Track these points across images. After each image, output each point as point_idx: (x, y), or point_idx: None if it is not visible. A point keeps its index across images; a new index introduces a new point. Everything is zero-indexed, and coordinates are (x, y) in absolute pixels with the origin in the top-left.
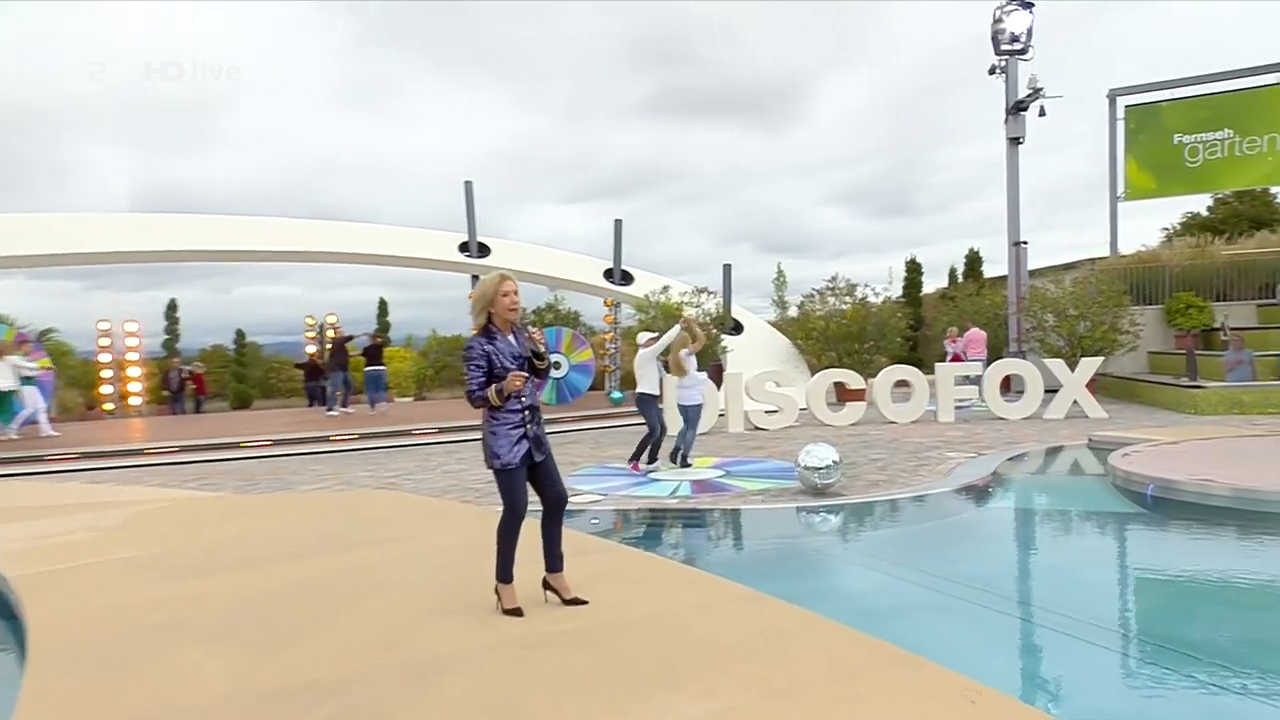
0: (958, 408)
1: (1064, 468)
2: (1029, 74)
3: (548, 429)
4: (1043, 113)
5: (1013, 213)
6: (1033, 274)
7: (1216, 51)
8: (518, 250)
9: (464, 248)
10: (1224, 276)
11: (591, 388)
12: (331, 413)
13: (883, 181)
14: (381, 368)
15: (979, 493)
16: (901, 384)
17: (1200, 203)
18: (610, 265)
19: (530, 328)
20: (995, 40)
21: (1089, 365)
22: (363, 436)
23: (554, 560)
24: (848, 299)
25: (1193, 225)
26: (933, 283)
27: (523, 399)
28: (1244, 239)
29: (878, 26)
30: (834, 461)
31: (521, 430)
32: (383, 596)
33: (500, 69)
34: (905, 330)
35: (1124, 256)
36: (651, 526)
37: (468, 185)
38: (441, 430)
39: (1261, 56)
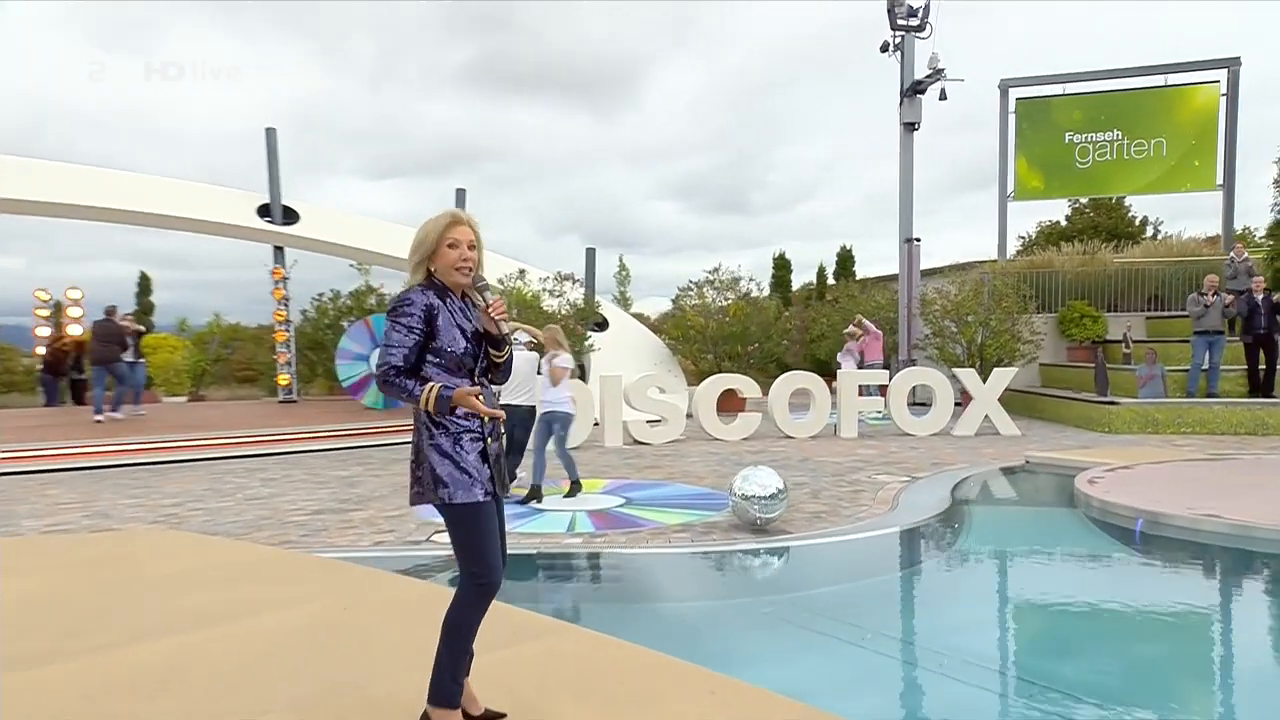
0: (860, 420)
1: (1021, 496)
2: (929, 52)
3: (369, 443)
4: (944, 96)
5: (905, 206)
6: (923, 275)
7: (1121, 44)
8: (333, 220)
9: (264, 211)
10: (1114, 285)
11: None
12: (100, 417)
13: (717, 177)
14: (140, 360)
15: (944, 529)
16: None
17: (1058, 210)
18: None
19: (488, 292)
20: (891, 15)
21: (1001, 377)
22: (123, 448)
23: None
24: (730, 293)
25: (1051, 234)
26: (797, 281)
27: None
28: (1108, 248)
29: (715, 10)
30: (779, 490)
31: (481, 445)
32: None
33: (291, 18)
34: (792, 332)
35: (1015, 260)
36: (558, 578)
37: (270, 134)
38: (237, 441)
39: (1152, 56)
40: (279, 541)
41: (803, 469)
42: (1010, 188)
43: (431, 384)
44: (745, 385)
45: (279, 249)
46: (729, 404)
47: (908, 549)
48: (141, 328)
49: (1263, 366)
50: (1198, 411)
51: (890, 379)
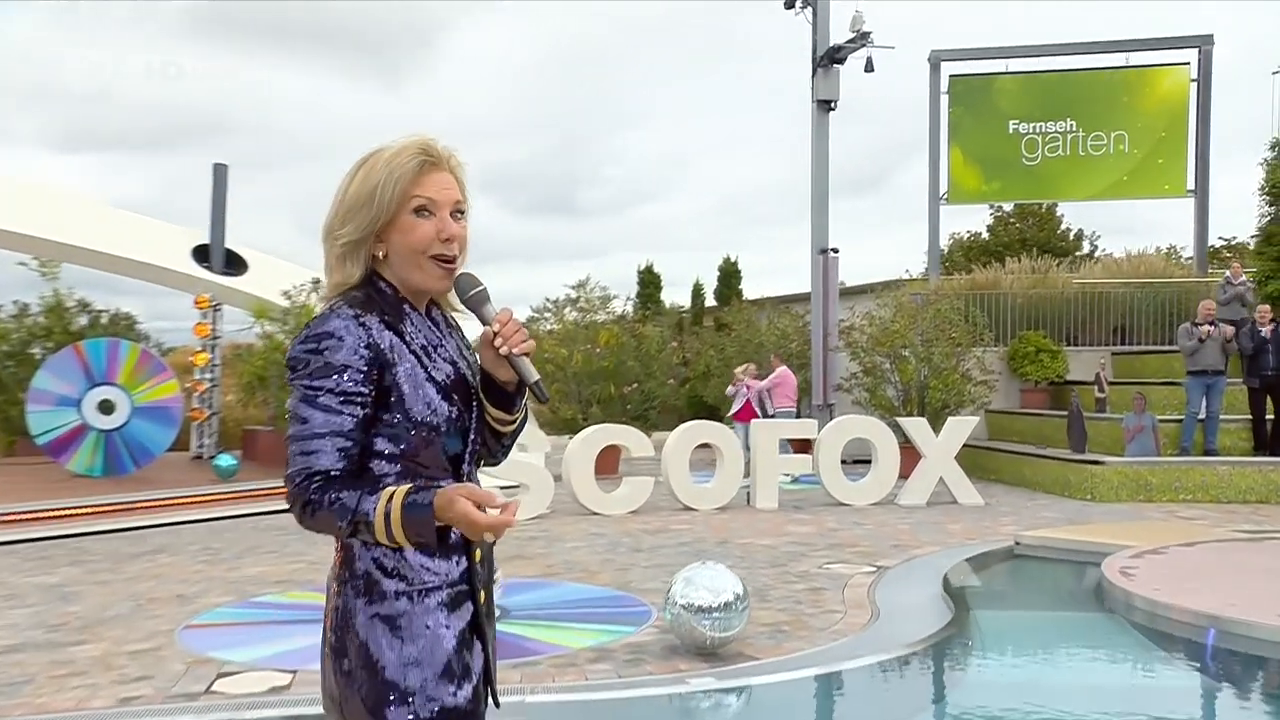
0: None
1: (1034, 594)
2: (851, 12)
3: (85, 529)
4: (870, 68)
5: (819, 207)
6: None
7: (1080, 19)
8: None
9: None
10: (1073, 313)
11: (174, 445)
12: None
13: (540, 168)
14: None
15: (957, 647)
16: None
17: (976, 219)
18: (205, 241)
19: (490, 305)
20: None
21: (959, 428)
22: None
23: None
24: (601, 315)
25: (972, 248)
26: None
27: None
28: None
29: None
30: (737, 596)
31: (469, 611)
32: None
33: None
34: (679, 366)
35: (952, 278)
36: None
37: None
38: None
39: (1115, 33)
40: None
41: (727, 557)
42: (944, 188)
43: (390, 490)
44: (633, 440)
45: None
46: (604, 465)
47: (924, 679)
48: None
49: (1271, 416)
50: (1199, 473)
51: (820, 430)
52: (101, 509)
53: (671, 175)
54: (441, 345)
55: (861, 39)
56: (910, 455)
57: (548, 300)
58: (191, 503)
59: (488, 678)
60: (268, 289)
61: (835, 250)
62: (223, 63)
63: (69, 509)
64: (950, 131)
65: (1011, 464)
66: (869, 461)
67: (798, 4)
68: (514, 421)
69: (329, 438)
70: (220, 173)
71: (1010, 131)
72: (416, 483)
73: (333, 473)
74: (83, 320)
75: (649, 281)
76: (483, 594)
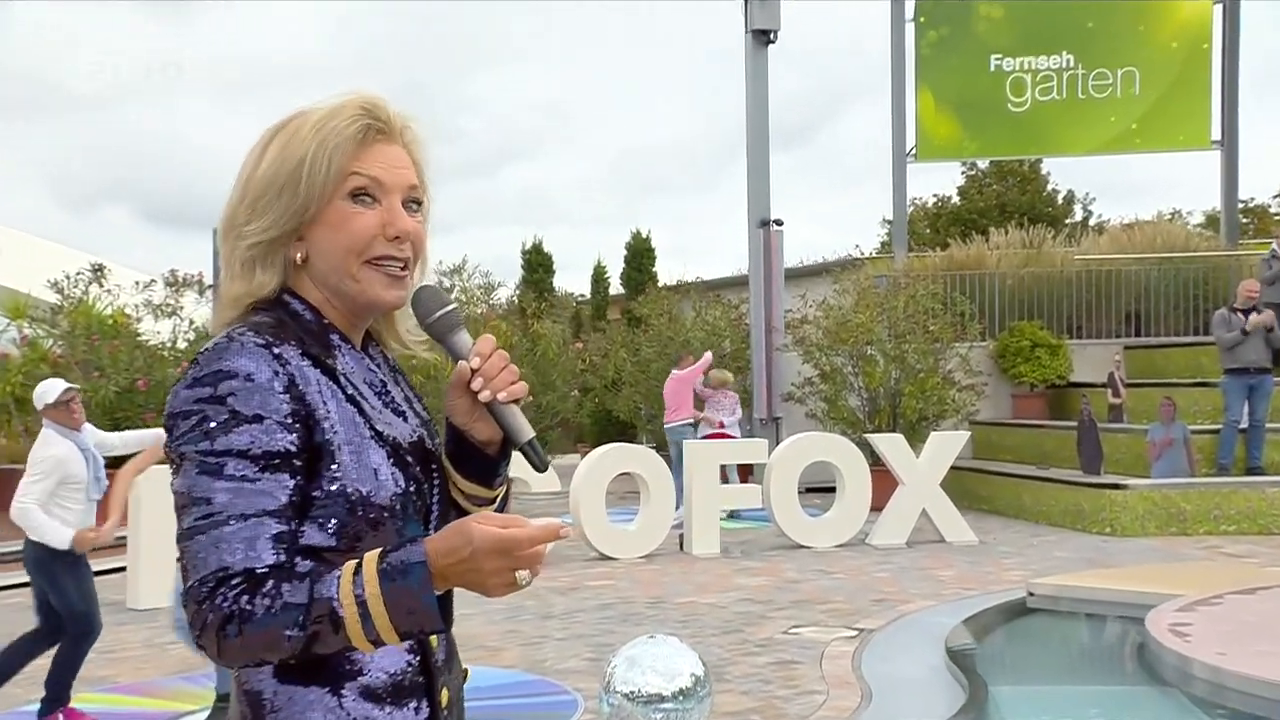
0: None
1: (1060, 663)
2: None
3: None
4: None
5: (757, 167)
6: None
7: None
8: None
9: None
10: (1076, 297)
11: None
12: None
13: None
14: None
15: None
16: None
17: (947, 181)
18: None
19: (463, 331)
20: None
21: (946, 445)
22: None
23: None
24: (482, 307)
25: (939, 216)
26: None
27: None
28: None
29: None
30: (697, 680)
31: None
32: None
33: None
34: (582, 373)
35: (926, 257)
36: None
37: None
38: None
39: None
40: None
41: (666, 623)
42: (911, 143)
43: (351, 563)
44: (526, 472)
45: None
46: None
47: None
48: None
49: None
50: (1243, 498)
51: (770, 451)
52: None
53: (551, 128)
54: (387, 391)
55: None
56: (884, 481)
57: None
58: None
59: None
60: (26, 279)
61: (779, 222)
62: None
63: None
64: (918, 71)
65: (1007, 489)
66: (828, 489)
67: None
68: (493, 499)
69: (251, 521)
70: None
71: (993, 69)
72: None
73: (259, 570)
74: None
75: (537, 264)
76: (442, 687)
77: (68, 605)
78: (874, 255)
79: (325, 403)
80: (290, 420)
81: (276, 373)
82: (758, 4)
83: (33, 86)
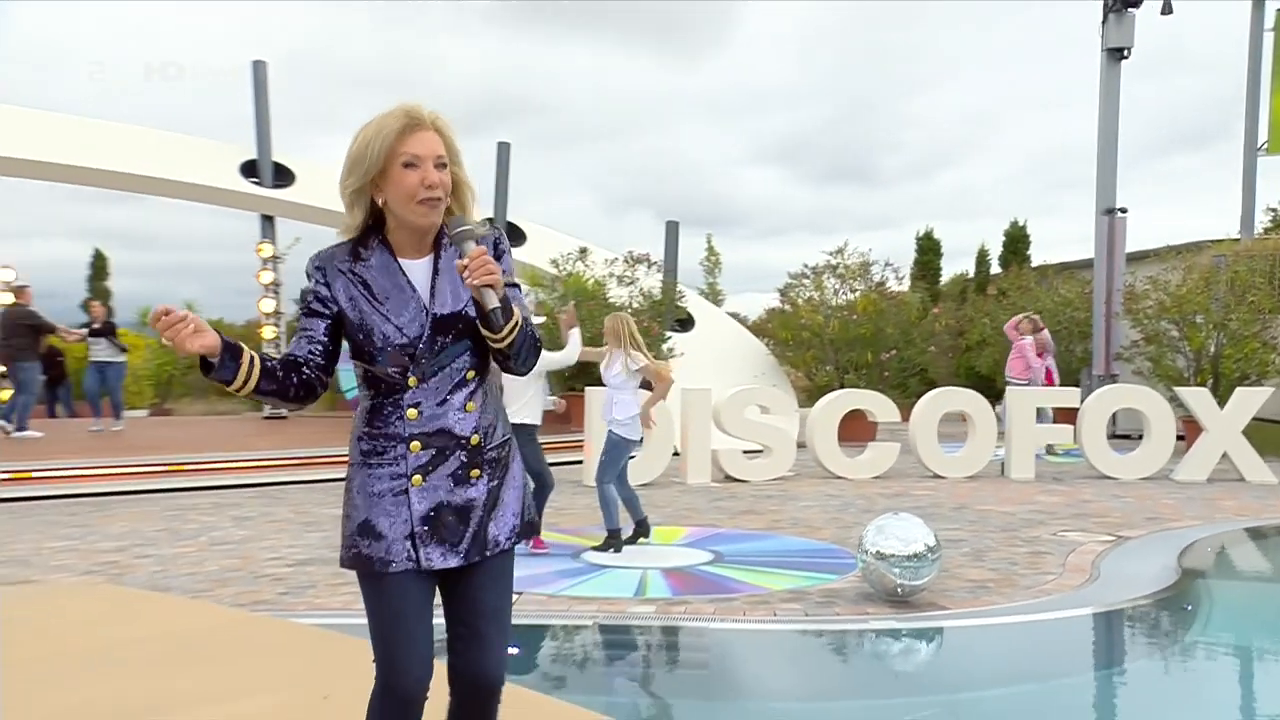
0: (1037, 456)
1: None
2: None
3: None
4: (1168, 9)
5: (1106, 164)
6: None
7: None
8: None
9: (250, 170)
10: None
11: None
12: (25, 432)
13: (831, 136)
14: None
15: (1166, 612)
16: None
17: None
18: (488, 215)
19: (470, 243)
20: None
21: (1248, 399)
22: (59, 475)
23: None
24: (858, 283)
25: None
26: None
27: (411, 409)
28: None
29: None
30: (929, 547)
31: (403, 484)
32: None
33: None
34: (941, 336)
35: (1267, 239)
36: (620, 659)
37: (258, 68)
38: (205, 467)
39: None
40: (249, 602)
41: (959, 520)
42: (1263, 138)
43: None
44: (878, 406)
45: (268, 219)
46: (855, 431)
47: (1111, 638)
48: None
49: None
50: None
51: (1082, 400)
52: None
53: (975, 136)
54: (396, 283)
55: None
56: (1196, 430)
57: (805, 266)
58: None
59: (419, 553)
60: (539, 258)
61: (1124, 210)
62: (524, 42)
63: None
64: (1275, 74)
65: None
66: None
67: None
68: (501, 339)
69: (296, 336)
70: (503, 151)
71: None
72: (379, 399)
73: (287, 357)
74: None
75: (928, 248)
76: (428, 477)
77: (529, 467)
78: (1220, 239)
79: (340, 289)
80: (318, 298)
81: (318, 272)
82: (1114, 24)
83: (576, 121)
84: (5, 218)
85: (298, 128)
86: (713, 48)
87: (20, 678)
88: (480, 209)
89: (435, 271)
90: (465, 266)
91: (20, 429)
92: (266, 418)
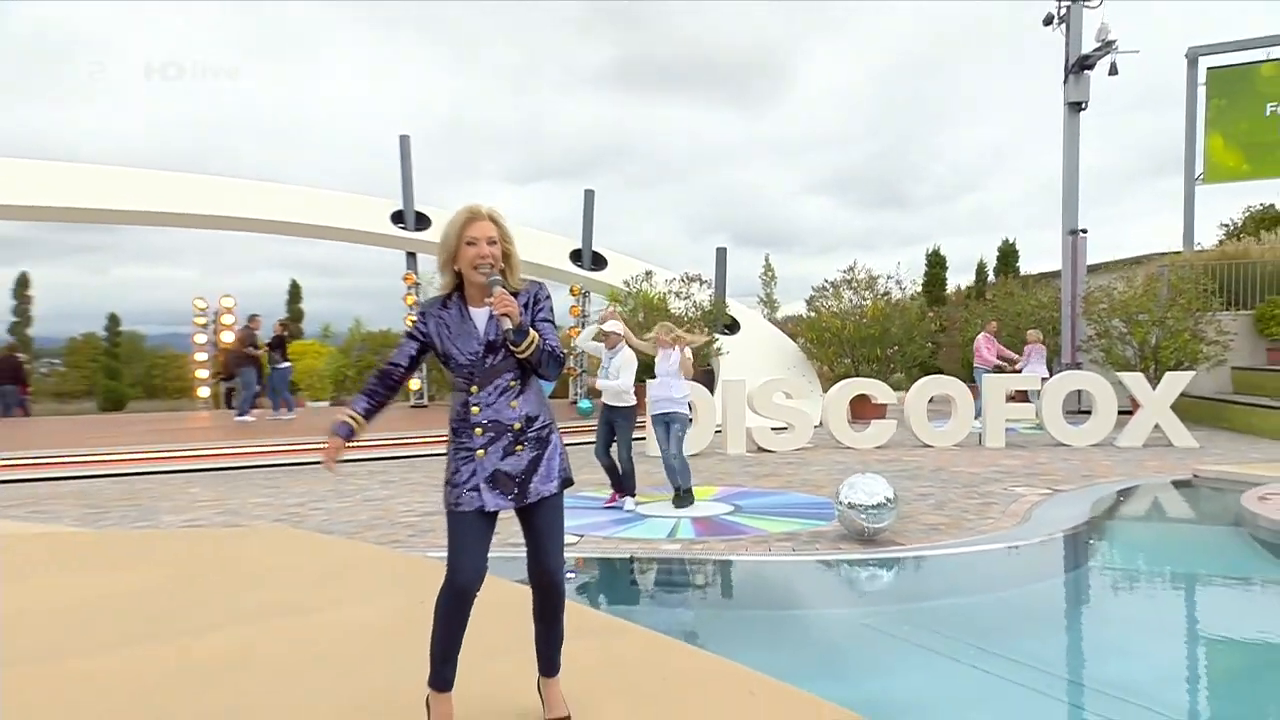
0: (1008, 429)
1: (1176, 512)
2: (1098, 23)
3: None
4: (1114, 70)
5: (1069, 194)
6: (1090, 270)
7: None
8: None
9: (398, 218)
10: None
11: (552, 395)
12: (244, 418)
13: (873, 168)
14: (287, 364)
15: (1074, 544)
16: (936, 399)
17: (1271, 191)
18: (578, 246)
19: (498, 285)
20: None
21: (1175, 381)
22: (262, 450)
23: (541, 662)
24: (867, 293)
25: (1265, 219)
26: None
27: (474, 406)
28: None
29: None
30: (887, 499)
31: (472, 454)
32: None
33: (433, 24)
34: (934, 333)
35: (1204, 251)
36: (653, 585)
37: (403, 141)
38: (365, 445)
39: None
40: (386, 541)
41: (933, 479)
42: (1199, 170)
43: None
44: (878, 390)
45: (411, 255)
46: (864, 410)
47: (1027, 565)
48: (256, 340)
49: None
50: None
51: (1043, 384)
52: None
53: (988, 166)
54: (464, 324)
55: (1106, 46)
56: (1137, 405)
57: (826, 281)
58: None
59: (483, 499)
60: (618, 280)
61: (1084, 231)
62: (624, 103)
63: None
64: (1209, 118)
65: (1244, 415)
66: None
67: (1055, 20)
68: (521, 352)
69: (396, 350)
70: (589, 196)
71: (1268, 114)
72: (464, 396)
73: (387, 365)
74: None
75: (935, 263)
76: (488, 451)
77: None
78: (1165, 252)
79: (431, 326)
80: (418, 331)
81: (420, 315)
82: (1072, 82)
83: (665, 162)
84: (236, 256)
85: (448, 180)
86: (775, 99)
87: (226, 586)
88: (568, 242)
89: (490, 316)
90: (491, 303)
91: (241, 414)
92: (413, 406)
